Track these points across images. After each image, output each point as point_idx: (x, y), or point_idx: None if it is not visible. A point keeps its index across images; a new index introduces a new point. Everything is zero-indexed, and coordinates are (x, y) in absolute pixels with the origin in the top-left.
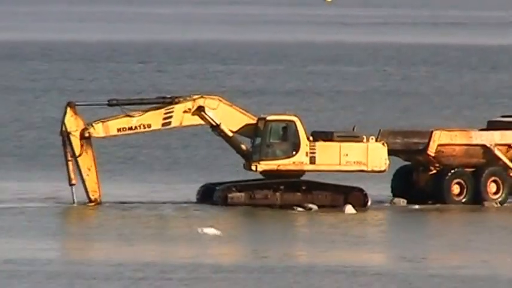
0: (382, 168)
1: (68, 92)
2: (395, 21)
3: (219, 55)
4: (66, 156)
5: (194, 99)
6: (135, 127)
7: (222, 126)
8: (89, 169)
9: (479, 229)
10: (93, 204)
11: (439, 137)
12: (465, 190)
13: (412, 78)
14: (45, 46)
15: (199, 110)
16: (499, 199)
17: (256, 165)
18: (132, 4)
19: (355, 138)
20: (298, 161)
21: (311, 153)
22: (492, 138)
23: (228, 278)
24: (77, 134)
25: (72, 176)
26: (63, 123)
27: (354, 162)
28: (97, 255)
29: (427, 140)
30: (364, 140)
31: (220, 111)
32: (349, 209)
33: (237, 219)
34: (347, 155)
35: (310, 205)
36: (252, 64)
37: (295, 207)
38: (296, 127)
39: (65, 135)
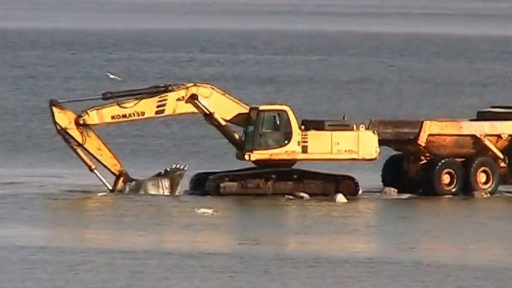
0: (373, 157)
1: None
2: (382, 12)
3: (198, 44)
4: (74, 150)
5: (187, 87)
6: (129, 115)
7: (216, 115)
8: (99, 149)
9: (468, 219)
10: (121, 178)
11: (430, 127)
12: (455, 180)
13: (399, 68)
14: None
15: (193, 98)
16: (489, 189)
17: (249, 155)
18: None
19: (346, 127)
20: (291, 150)
21: (303, 142)
22: (482, 128)
23: (215, 265)
24: (72, 125)
25: (89, 162)
26: (55, 123)
27: (345, 151)
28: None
29: (417, 130)
30: (355, 128)
31: (213, 99)
32: (340, 197)
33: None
34: (338, 143)
35: (302, 194)
36: (233, 53)
37: (286, 196)
38: (288, 117)
39: (62, 132)
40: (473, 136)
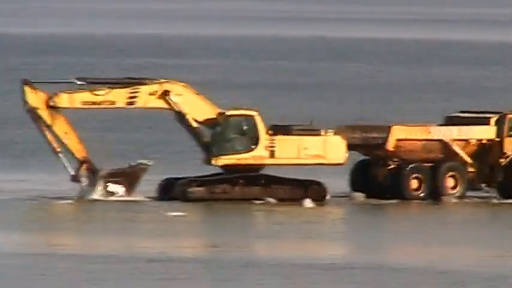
0: (341, 161)
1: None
2: (358, 17)
3: (178, 49)
4: (41, 130)
5: (161, 83)
6: (100, 102)
7: (188, 116)
8: (66, 133)
9: (435, 224)
10: (84, 165)
11: (398, 132)
12: (423, 185)
13: (370, 72)
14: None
15: (165, 94)
16: (457, 194)
17: (216, 160)
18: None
19: (313, 131)
20: (258, 155)
21: (270, 147)
22: (450, 133)
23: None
24: (43, 106)
25: (55, 145)
26: (25, 101)
27: (313, 156)
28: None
29: (385, 135)
30: (323, 133)
31: (185, 98)
32: (307, 202)
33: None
34: (306, 148)
35: (269, 199)
36: (209, 58)
37: (254, 201)
38: (255, 121)
39: (32, 112)
40: (441, 141)
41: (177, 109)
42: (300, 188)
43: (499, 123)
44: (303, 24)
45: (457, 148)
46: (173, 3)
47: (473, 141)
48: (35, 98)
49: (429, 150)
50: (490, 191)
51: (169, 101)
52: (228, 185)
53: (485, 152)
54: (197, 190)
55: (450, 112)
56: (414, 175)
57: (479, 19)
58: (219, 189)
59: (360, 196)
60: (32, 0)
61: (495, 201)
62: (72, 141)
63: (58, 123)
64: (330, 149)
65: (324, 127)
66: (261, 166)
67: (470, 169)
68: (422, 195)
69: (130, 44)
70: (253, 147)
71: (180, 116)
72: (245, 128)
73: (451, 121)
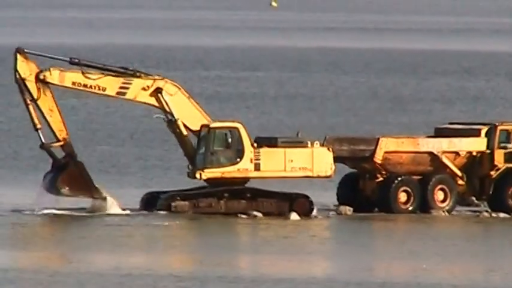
0: (328, 174)
1: None
2: (343, 26)
3: (158, 59)
4: (25, 102)
5: (155, 79)
6: (90, 86)
7: (179, 122)
8: (51, 110)
9: (424, 237)
10: (62, 143)
11: (386, 144)
12: (412, 198)
13: (358, 83)
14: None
15: (157, 92)
16: (447, 207)
17: (200, 173)
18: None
19: (299, 143)
20: (243, 168)
21: (255, 159)
22: (440, 145)
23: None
24: (32, 78)
25: (36, 120)
26: (15, 70)
27: (299, 168)
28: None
29: (373, 147)
30: (309, 145)
31: (177, 99)
32: (294, 216)
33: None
34: (292, 160)
35: (255, 213)
36: (195, 69)
37: (239, 215)
38: (240, 134)
39: (20, 82)
40: (430, 153)
41: (167, 109)
42: (286, 201)
43: (490, 135)
44: (293, 34)
45: (446, 160)
46: (149, 12)
47: (463, 153)
48: (26, 68)
49: (418, 163)
50: (481, 204)
51: (161, 99)
52: (212, 198)
53: (475, 164)
54: (181, 204)
55: (439, 123)
56: (403, 188)
57: (470, 28)
58: (203, 203)
59: (347, 209)
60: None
61: (485, 214)
62: (55, 120)
63: (44, 98)
64: (317, 162)
65: (310, 139)
66: (246, 179)
67: (460, 182)
68: (411, 208)
69: (113, 53)
70: (237, 160)
71: (170, 119)
72: (229, 140)
73: (440, 133)
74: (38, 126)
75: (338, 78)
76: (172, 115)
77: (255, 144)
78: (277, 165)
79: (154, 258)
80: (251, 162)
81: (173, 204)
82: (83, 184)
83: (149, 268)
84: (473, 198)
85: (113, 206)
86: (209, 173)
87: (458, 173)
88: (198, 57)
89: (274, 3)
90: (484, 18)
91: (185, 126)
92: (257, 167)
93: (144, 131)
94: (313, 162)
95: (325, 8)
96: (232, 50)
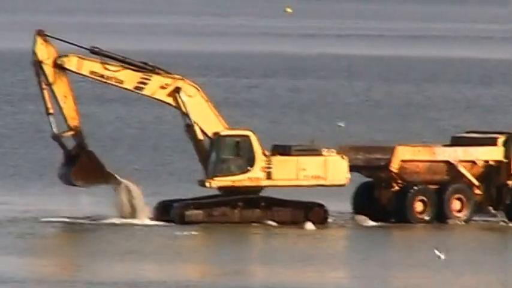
0: (342, 182)
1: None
2: (358, 33)
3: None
4: (40, 86)
5: (175, 78)
6: (108, 77)
7: (196, 127)
8: (65, 96)
9: (441, 247)
10: (72, 132)
11: (402, 153)
12: (428, 208)
13: (372, 91)
14: None
15: (175, 91)
16: (463, 217)
17: (210, 182)
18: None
19: (313, 151)
20: (254, 176)
21: (267, 168)
22: (456, 154)
23: None
24: (49, 62)
25: (49, 105)
26: (33, 52)
27: (312, 177)
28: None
29: (389, 156)
30: (324, 152)
31: (195, 101)
32: (309, 225)
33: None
34: (305, 169)
35: (270, 222)
36: (212, 76)
37: (254, 224)
38: (251, 142)
39: (37, 65)
40: (447, 162)
41: (183, 110)
42: (301, 210)
43: (507, 144)
44: (306, 41)
45: (463, 169)
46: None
47: (480, 163)
48: (44, 51)
49: (434, 172)
50: (498, 214)
51: (178, 98)
52: (227, 207)
53: (492, 173)
54: (195, 213)
55: (456, 132)
56: (419, 197)
57: (487, 36)
58: (217, 212)
59: (362, 219)
60: None
61: (503, 224)
62: (68, 107)
63: (60, 84)
64: (331, 170)
65: (326, 147)
66: (258, 188)
67: (477, 191)
68: (427, 218)
69: None
70: (248, 168)
71: (188, 123)
72: (240, 148)
73: (457, 141)
74: (51, 111)
75: (351, 85)
76: (188, 117)
77: (267, 153)
78: (290, 173)
79: (167, 268)
80: (262, 170)
81: (187, 213)
82: (96, 173)
83: (163, 277)
84: (490, 208)
85: (142, 214)
86: (219, 182)
87: (475, 182)
88: (210, 63)
89: (288, 9)
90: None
91: (201, 130)
92: (269, 176)
93: (154, 137)
94: (327, 171)
95: (339, 14)
96: (246, 56)
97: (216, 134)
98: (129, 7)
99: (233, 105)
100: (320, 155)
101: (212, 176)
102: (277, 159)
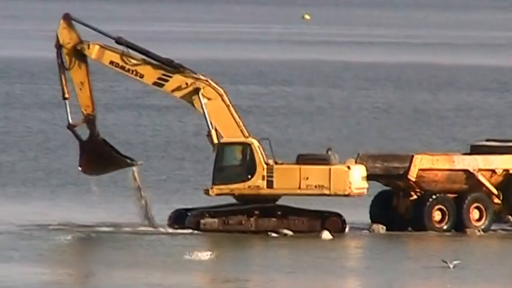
0: (346, 192)
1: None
2: (376, 41)
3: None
4: (60, 69)
5: (196, 79)
6: (128, 70)
7: (212, 131)
8: (82, 83)
9: (458, 257)
10: (83, 121)
11: (421, 162)
12: (447, 217)
13: (389, 98)
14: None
15: (195, 92)
16: (482, 226)
17: (208, 190)
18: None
19: (318, 160)
20: (254, 184)
21: (268, 177)
22: (475, 163)
23: None
24: (69, 46)
25: (65, 89)
26: (56, 36)
27: (315, 186)
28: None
29: (407, 165)
30: (331, 160)
31: (214, 104)
32: (326, 235)
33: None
34: (307, 178)
35: (286, 231)
36: (230, 83)
37: (270, 233)
38: (252, 150)
39: (58, 47)
40: (466, 171)
41: (200, 111)
42: (318, 219)
43: None
44: (324, 47)
45: (482, 178)
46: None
47: (500, 171)
48: (66, 35)
49: (453, 181)
50: None
51: (197, 99)
52: (242, 216)
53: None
54: (210, 221)
55: (472, 140)
56: (437, 206)
57: (502, 43)
58: (233, 220)
59: (380, 228)
60: None
61: None
62: (84, 95)
63: (78, 70)
64: (335, 179)
65: (344, 156)
66: (258, 196)
67: (496, 200)
68: (445, 227)
69: None
70: (248, 176)
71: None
72: (241, 156)
73: (476, 150)
74: (66, 95)
75: (368, 93)
76: (206, 120)
77: (270, 162)
78: (291, 182)
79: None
80: (263, 179)
81: (202, 221)
82: (106, 162)
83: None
84: (510, 217)
85: (153, 221)
86: (218, 190)
87: (495, 191)
88: (228, 70)
89: (306, 16)
90: None
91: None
92: (269, 184)
93: (165, 143)
94: (331, 180)
95: (357, 22)
96: (264, 64)
97: (218, 141)
98: (143, 15)
99: (261, 113)
100: (324, 163)
101: (212, 183)
102: (278, 168)
